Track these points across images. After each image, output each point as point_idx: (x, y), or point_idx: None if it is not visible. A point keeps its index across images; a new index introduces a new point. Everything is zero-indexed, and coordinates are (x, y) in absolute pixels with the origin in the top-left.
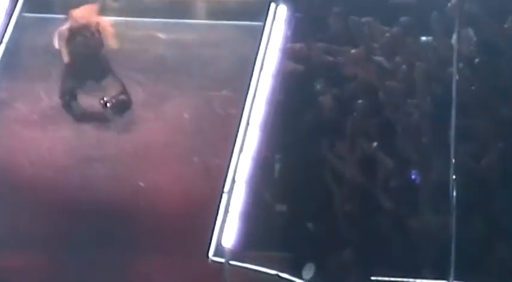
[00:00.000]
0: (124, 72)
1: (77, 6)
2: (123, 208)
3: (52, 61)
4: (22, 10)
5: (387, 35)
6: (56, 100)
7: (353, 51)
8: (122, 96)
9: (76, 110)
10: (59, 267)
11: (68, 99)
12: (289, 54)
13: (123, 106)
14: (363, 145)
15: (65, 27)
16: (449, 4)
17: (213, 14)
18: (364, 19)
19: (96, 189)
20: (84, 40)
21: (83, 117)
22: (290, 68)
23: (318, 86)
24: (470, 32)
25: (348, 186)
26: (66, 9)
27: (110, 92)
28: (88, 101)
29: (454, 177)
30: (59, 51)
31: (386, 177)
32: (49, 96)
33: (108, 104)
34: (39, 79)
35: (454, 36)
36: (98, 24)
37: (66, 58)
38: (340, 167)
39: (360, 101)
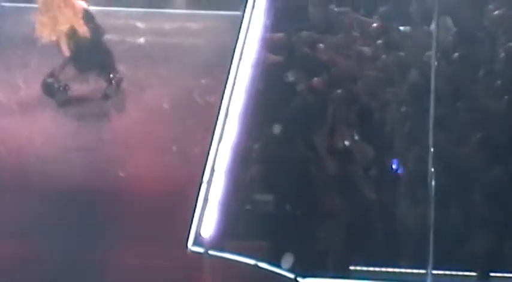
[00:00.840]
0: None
1: None
2: (101, 197)
3: (30, 50)
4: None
5: (370, 25)
6: (36, 89)
7: (332, 39)
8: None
9: (61, 96)
10: (39, 255)
11: (57, 85)
12: (268, 44)
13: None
14: (343, 134)
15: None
16: None
17: (191, 4)
18: (342, 9)
19: (74, 178)
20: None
21: (65, 103)
22: (269, 57)
23: (295, 76)
24: (449, 21)
25: (328, 175)
26: None
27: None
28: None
29: (432, 168)
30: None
31: (366, 166)
32: (28, 85)
33: (113, 81)
34: (17, 68)
35: (433, 25)
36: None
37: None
38: (320, 156)
39: (339, 91)
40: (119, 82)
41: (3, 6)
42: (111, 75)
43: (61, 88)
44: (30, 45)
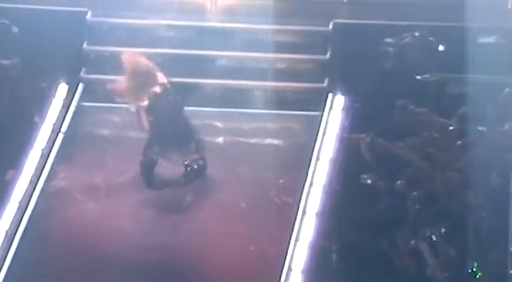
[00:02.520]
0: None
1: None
2: None
3: (110, 150)
4: (80, 99)
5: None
6: (113, 188)
7: (412, 141)
8: (200, 161)
9: (152, 180)
10: None
11: (147, 169)
12: (347, 144)
13: (200, 171)
14: (424, 234)
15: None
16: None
17: (270, 104)
18: (421, 109)
19: (151, 276)
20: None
21: (161, 186)
22: (347, 157)
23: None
24: None
25: (406, 272)
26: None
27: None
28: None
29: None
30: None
31: (446, 267)
32: (106, 185)
33: (188, 168)
34: (96, 168)
35: (509, 126)
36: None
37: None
38: (401, 256)
39: (417, 192)
40: (200, 167)
41: (83, 105)
42: (186, 162)
43: (149, 164)
44: (110, 144)
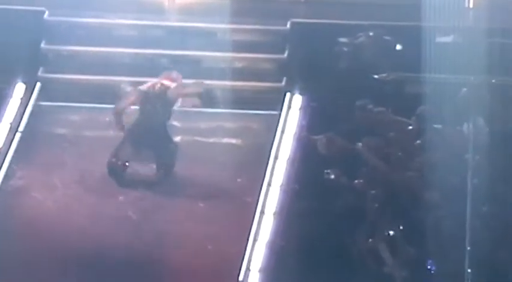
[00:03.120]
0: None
1: (92, 93)
2: None
3: (68, 149)
4: (38, 99)
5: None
6: (72, 187)
7: (369, 140)
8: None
9: (120, 174)
10: None
11: (117, 166)
12: (304, 143)
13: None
14: (381, 233)
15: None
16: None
17: (228, 103)
18: (379, 109)
19: (109, 275)
20: (153, 109)
21: (130, 184)
22: (305, 156)
23: (335, 174)
24: (482, 121)
25: (365, 270)
26: (80, 97)
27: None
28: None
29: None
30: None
31: (405, 266)
32: (65, 184)
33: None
34: (54, 167)
35: (467, 125)
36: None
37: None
38: (356, 254)
39: (375, 191)
40: (168, 170)
41: (41, 104)
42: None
43: (121, 165)
44: (67, 144)
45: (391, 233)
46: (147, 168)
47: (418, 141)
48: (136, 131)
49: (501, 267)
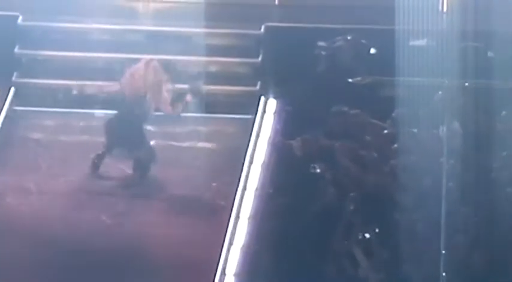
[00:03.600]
0: (115, 166)
1: (67, 98)
2: None
3: (43, 153)
4: (12, 103)
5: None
6: (46, 192)
7: (344, 143)
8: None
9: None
10: None
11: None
12: (279, 147)
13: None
14: (356, 236)
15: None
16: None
17: (203, 107)
18: (355, 111)
19: (83, 279)
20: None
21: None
22: (280, 160)
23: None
24: (456, 125)
25: (340, 272)
26: (55, 102)
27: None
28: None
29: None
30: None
31: (379, 269)
32: (39, 188)
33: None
34: (28, 172)
35: (442, 129)
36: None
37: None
38: (331, 258)
39: (348, 194)
40: (144, 172)
41: (15, 109)
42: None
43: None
44: (42, 149)
45: (366, 235)
46: (122, 168)
47: (393, 145)
48: (115, 124)
49: (476, 271)
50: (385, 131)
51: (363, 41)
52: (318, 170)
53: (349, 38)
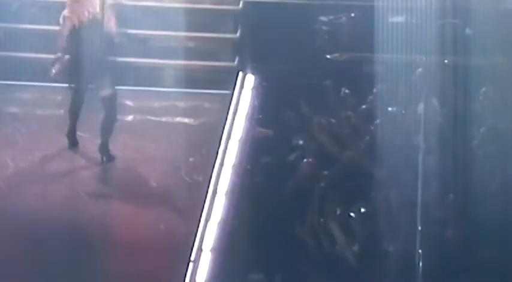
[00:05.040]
0: (91, 140)
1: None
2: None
3: (20, 128)
4: None
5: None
6: (24, 167)
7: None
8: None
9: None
10: None
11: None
12: (257, 123)
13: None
14: (332, 213)
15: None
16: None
17: (181, 83)
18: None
19: (61, 255)
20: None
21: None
22: (258, 137)
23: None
24: (435, 101)
25: (319, 252)
26: (33, 76)
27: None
28: None
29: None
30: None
31: (356, 245)
32: (15, 163)
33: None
34: (5, 147)
35: (420, 105)
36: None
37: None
38: (307, 234)
39: (323, 172)
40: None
41: None
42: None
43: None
44: (19, 123)
45: (344, 212)
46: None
47: (371, 122)
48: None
49: (452, 248)
50: (363, 107)
51: (344, 17)
52: (297, 145)
53: (331, 16)
